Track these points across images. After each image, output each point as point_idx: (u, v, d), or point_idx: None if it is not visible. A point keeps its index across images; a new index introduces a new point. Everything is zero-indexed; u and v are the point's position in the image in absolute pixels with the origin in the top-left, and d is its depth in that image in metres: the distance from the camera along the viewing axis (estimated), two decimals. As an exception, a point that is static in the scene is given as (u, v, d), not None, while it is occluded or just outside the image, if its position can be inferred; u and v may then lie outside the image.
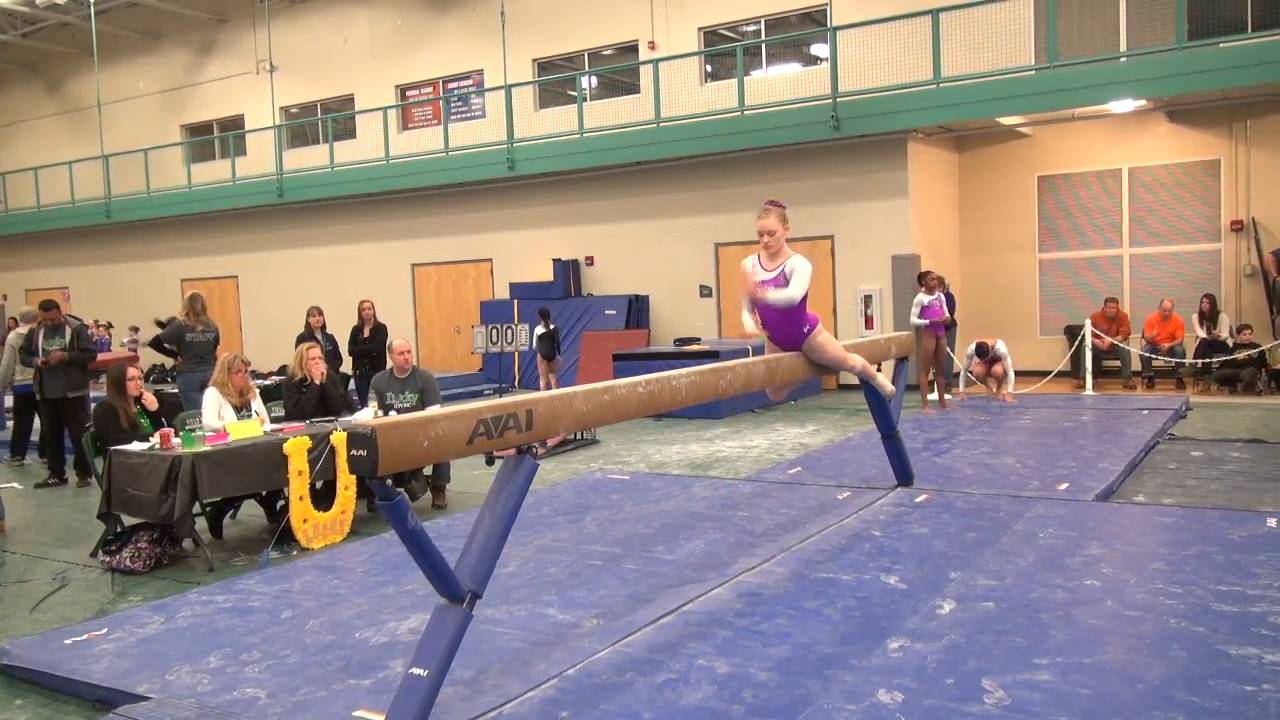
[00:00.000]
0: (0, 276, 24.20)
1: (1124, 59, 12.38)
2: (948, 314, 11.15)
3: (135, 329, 19.56)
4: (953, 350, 12.30)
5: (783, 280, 5.22)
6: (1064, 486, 6.66)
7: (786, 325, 5.38)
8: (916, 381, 11.34)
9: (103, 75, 21.24)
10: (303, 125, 20.30)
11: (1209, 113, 13.03)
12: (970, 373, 11.70)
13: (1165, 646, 3.74)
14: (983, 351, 11.41)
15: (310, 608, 4.72)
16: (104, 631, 4.45)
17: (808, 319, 5.39)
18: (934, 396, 11.05)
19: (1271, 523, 5.43)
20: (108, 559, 5.83)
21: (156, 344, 9.40)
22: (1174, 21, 11.55)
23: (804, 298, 5.30)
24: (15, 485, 8.90)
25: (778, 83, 14.88)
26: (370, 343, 11.36)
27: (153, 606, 4.87)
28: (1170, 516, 5.79)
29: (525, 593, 4.73)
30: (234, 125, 21.07)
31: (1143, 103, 12.60)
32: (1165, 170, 13.57)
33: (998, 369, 11.42)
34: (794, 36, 15.61)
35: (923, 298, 10.89)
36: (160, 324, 14.81)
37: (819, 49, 15.19)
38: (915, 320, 10.79)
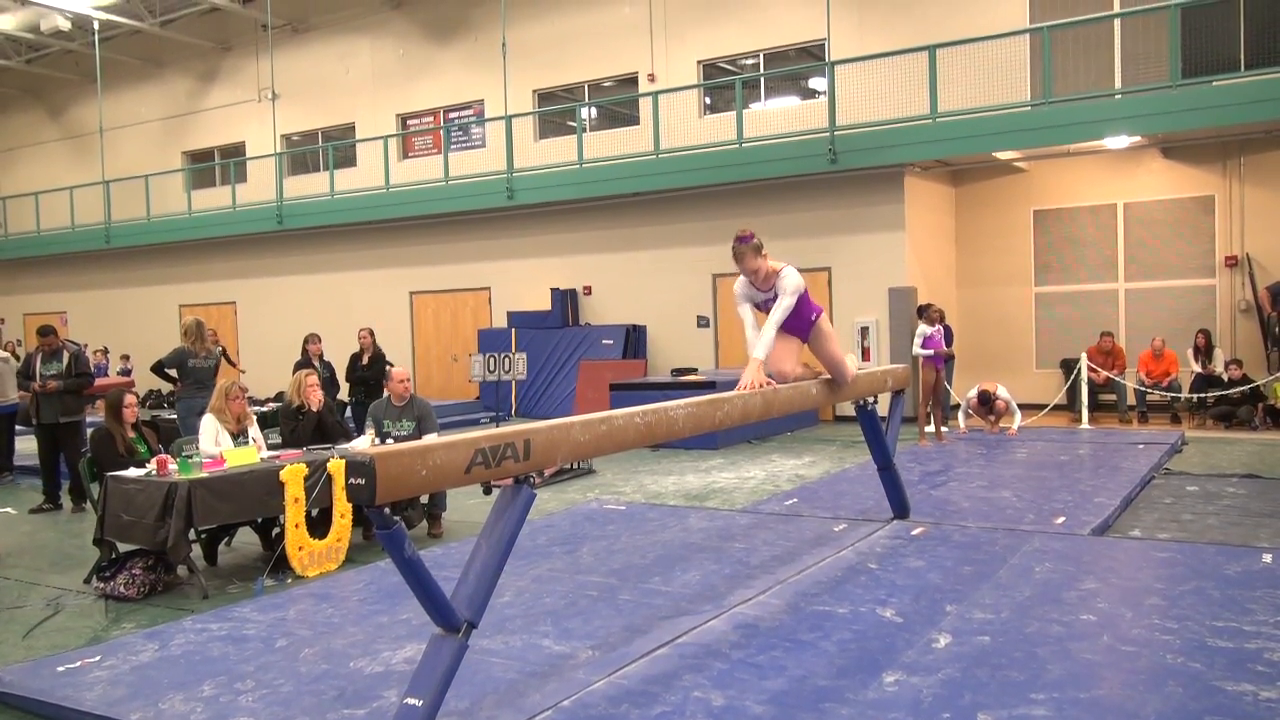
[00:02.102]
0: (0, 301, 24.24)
1: (1119, 96, 12.50)
2: (947, 347, 11.19)
3: (126, 357, 19.55)
4: (950, 384, 12.33)
5: (775, 294, 5.37)
6: (1060, 520, 6.67)
7: (794, 318, 5.45)
8: (914, 414, 11.38)
9: (105, 101, 21.38)
10: (303, 153, 20.41)
11: (1203, 149, 13.14)
12: (969, 410, 11.74)
13: (1161, 682, 3.73)
14: (985, 400, 11.45)
15: (305, 636, 4.70)
16: (97, 659, 4.43)
17: (813, 308, 5.54)
18: (931, 429, 11.07)
19: (1267, 558, 5.43)
20: (102, 585, 5.80)
21: (157, 369, 9.40)
22: (1168, 59, 11.68)
23: (804, 294, 5.43)
24: (9, 510, 8.87)
25: (776, 116, 15.00)
26: (368, 371, 11.37)
27: (146, 634, 4.85)
28: (1166, 551, 5.79)
29: (521, 623, 4.72)
30: (235, 152, 21.18)
31: (1137, 139, 12.71)
32: (1160, 206, 13.67)
33: (999, 405, 11.45)
34: (792, 71, 15.75)
35: (925, 329, 10.96)
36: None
37: (817, 83, 15.34)
38: (917, 351, 10.87)
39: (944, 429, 11.23)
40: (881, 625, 4.51)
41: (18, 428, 10.49)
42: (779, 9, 15.18)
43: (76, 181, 21.97)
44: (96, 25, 19.90)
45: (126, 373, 18.53)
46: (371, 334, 11.73)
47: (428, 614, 3.26)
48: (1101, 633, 4.32)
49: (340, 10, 19.44)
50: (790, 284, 5.29)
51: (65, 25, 19.99)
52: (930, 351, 10.83)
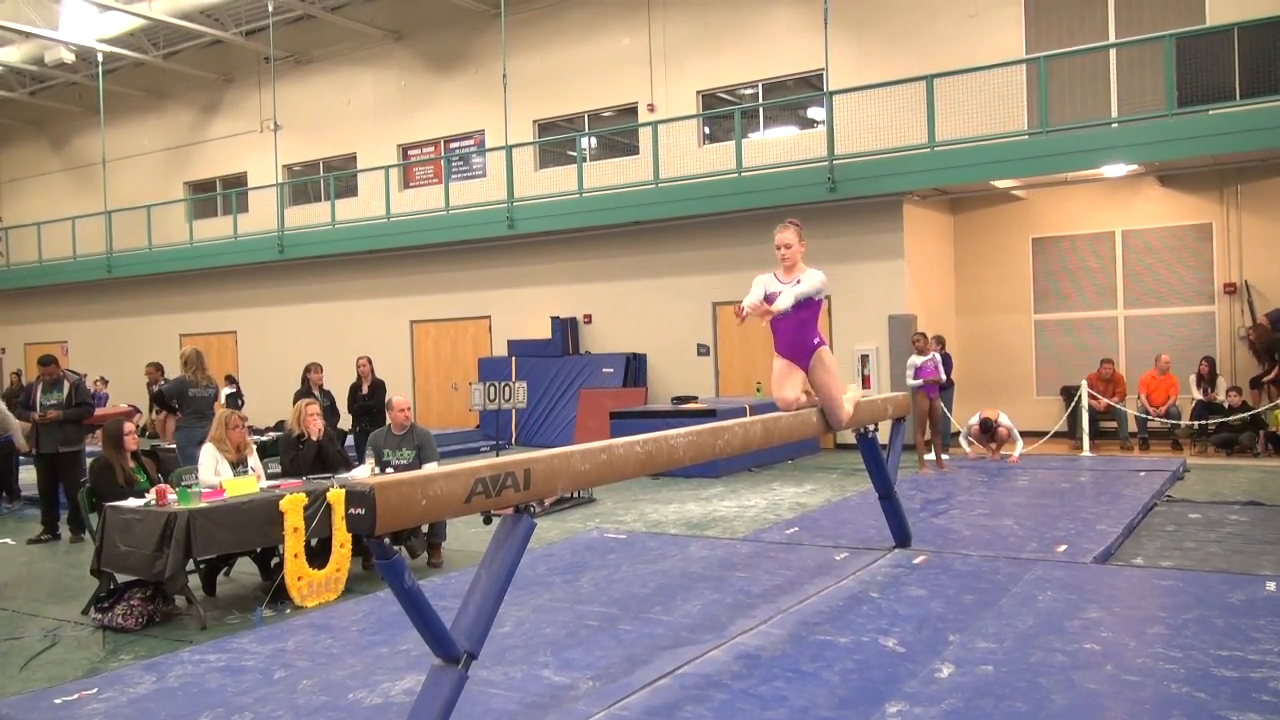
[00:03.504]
0: (0, 330, 24.26)
1: (1115, 125, 12.59)
2: (942, 375, 11.18)
3: (104, 380, 19.44)
4: (950, 411, 12.33)
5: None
6: (1062, 549, 6.64)
7: (797, 336, 5.52)
8: (914, 442, 11.36)
9: (108, 132, 21.52)
10: (305, 183, 20.51)
11: (1200, 177, 13.21)
12: (970, 438, 11.72)
13: (1166, 712, 3.70)
14: (987, 427, 11.45)
15: (303, 667, 4.67)
16: (95, 691, 4.40)
17: (818, 333, 5.58)
18: (931, 456, 11.05)
19: (1271, 586, 5.40)
20: (100, 616, 5.77)
21: (158, 399, 9.40)
22: (1164, 88, 11.77)
23: (817, 310, 5.53)
24: (8, 541, 8.84)
25: (775, 145, 15.10)
26: (369, 399, 11.37)
27: (144, 665, 4.82)
28: (1169, 580, 5.77)
29: (521, 653, 4.69)
30: (237, 182, 21.30)
31: (1134, 167, 12.78)
32: (1158, 233, 13.72)
33: (1001, 432, 11.44)
34: (791, 100, 15.87)
35: (915, 359, 10.98)
36: (233, 381, 14.87)
37: (816, 112, 15.45)
38: (910, 381, 10.87)
39: (944, 456, 11.21)
40: (884, 655, 4.48)
41: (20, 457, 10.48)
42: (777, 39, 15.31)
43: (79, 212, 22.08)
44: (100, 57, 20.07)
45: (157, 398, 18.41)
46: (370, 362, 11.74)
47: (427, 645, 3.24)
48: (1105, 662, 4.29)
49: (342, 42, 19.61)
50: (816, 277, 5.41)
51: (69, 57, 20.16)
52: (921, 381, 10.81)
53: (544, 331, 16.14)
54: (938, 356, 11.15)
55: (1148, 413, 12.54)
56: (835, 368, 5.70)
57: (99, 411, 12.02)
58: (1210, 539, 7.16)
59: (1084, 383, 12.31)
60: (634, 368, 15.32)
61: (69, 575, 7.32)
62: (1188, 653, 4.35)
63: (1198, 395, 12.46)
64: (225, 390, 17.77)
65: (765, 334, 15.91)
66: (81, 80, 21.92)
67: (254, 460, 7.10)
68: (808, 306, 5.46)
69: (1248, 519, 7.83)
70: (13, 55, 21.11)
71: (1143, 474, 9.92)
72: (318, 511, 6.22)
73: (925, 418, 10.91)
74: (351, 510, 2.94)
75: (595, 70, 16.93)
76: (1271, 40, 11.50)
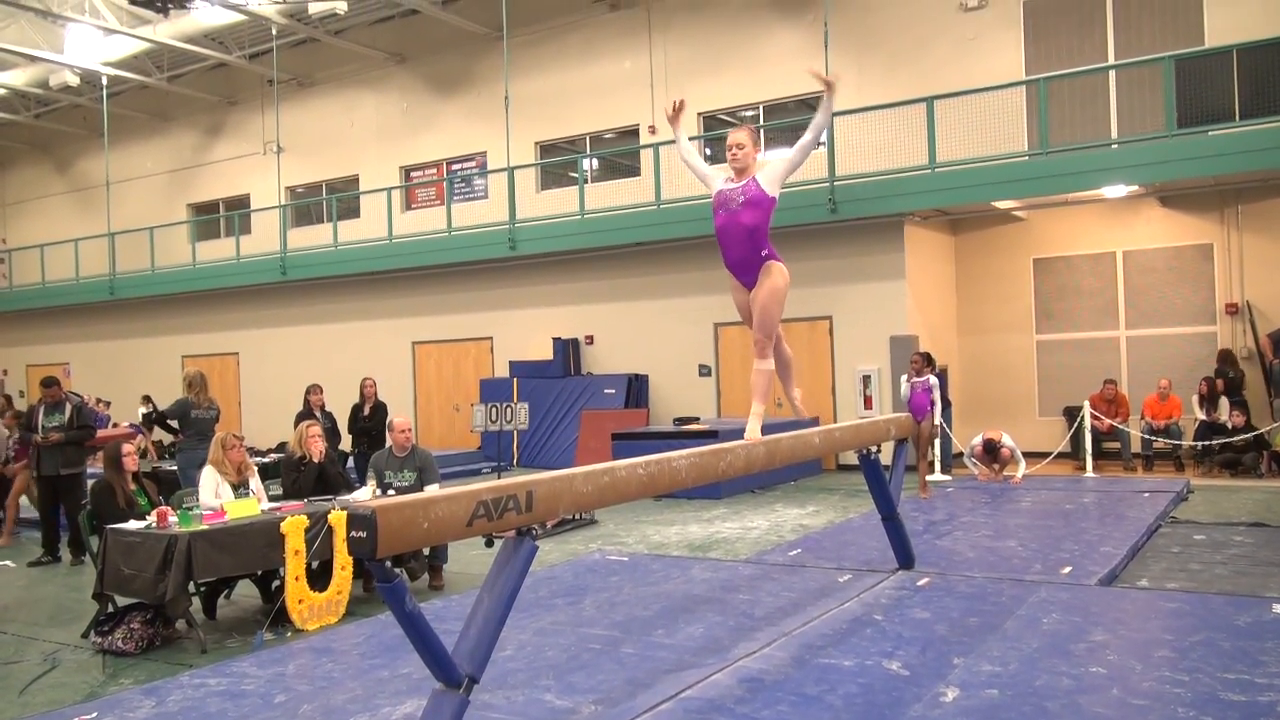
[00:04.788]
0: (2, 352, 24.29)
1: (1115, 146, 12.62)
2: (938, 395, 11.01)
3: (106, 402, 19.41)
4: (951, 430, 12.29)
5: (753, 186, 4.84)
6: (1067, 570, 6.61)
7: (744, 243, 4.90)
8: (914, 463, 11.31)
9: (112, 155, 21.62)
10: (307, 204, 20.58)
11: (1201, 198, 13.23)
12: (974, 459, 11.68)
13: (1173, 737, 3.67)
14: (990, 448, 11.41)
15: (304, 692, 4.64)
16: (94, 715, 4.37)
17: (768, 245, 4.95)
18: (932, 478, 10.99)
19: (1277, 609, 5.37)
20: (99, 640, 5.74)
21: (160, 420, 9.40)
22: (1164, 109, 11.81)
23: (768, 211, 4.88)
24: (8, 564, 8.82)
25: (776, 166, 15.11)
26: (370, 421, 11.34)
27: (144, 689, 4.79)
28: (1175, 602, 5.73)
29: (523, 677, 4.66)
30: (240, 204, 21.38)
31: (1135, 188, 12.80)
32: (1159, 254, 13.73)
33: (1004, 453, 11.41)
34: (792, 122, 15.92)
35: (904, 389, 10.90)
36: (149, 400, 14.86)
37: (816, 134, 15.46)
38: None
39: (929, 478, 10.95)
40: (888, 678, 4.45)
41: None
42: (778, 62, 15.39)
43: (82, 234, 22.16)
44: (105, 80, 20.18)
45: (146, 418, 18.39)
46: (375, 384, 11.72)
47: (429, 669, 3.22)
48: (1111, 686, 4.26)
49: (345, 65, 19.73)
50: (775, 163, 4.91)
51: (74, 81, 20.29)
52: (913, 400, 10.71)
53: (546, 352, 16.15)
54: (932, 379, 10.96)
55: (1153, 432, 12.50)
56: (782, 292, 4.98)
57: (100, 433, 12.02)
58: (1216, 560, 7.12)
59: (1086, 403, 12.29)
60: (636, 389, 15.31)
61: (69, 598, 7.30)
62: (1194, 676, 4.32)
63: (1201, 416, 12.44)
64: (141, 409, 17.80)
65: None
66: (86, 103, 22.05)
67: (255, 482, 7.08)
68: (759, 206, 4.83)
69: (1253, 540, 7.79)
70: (18, 78, 21.24)
71: (1146, 495, 9.89)
72: (319, 534, 6.20)
73: (919, 440, 10.76)
74: (353, 533, 2.93)
75: (597, 92, 17.02)
76: (1271, 61, 11.54)
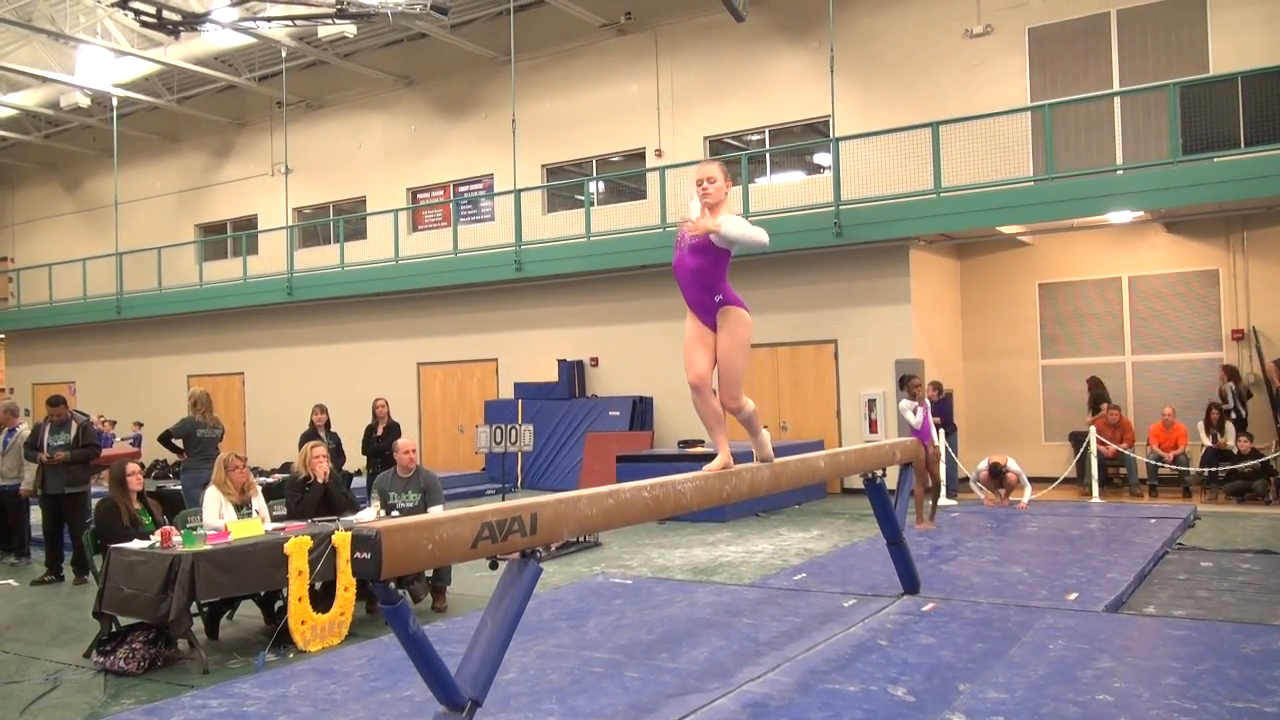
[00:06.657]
0: (9, 370, 24.35)
1: (1120, 172, 12.65)
2: (932, 423, 10.79)
3: (139, 425, 19.53)
4: (957, 454, 12.25)
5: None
6: (1073, 596, 6.57)
7: (699, 284, 4.85)
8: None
9: (121, 175, 21.75)
10: (314, 225, 20.68)
11: (1206, 224, 13.24)
12: (979, 483, 11.64)
13: (1181, 766, 3.64)
14: (996, 473, 11.36)
15: (306, 714, 4.62)
16: (94, 736, 4.35)
17: (724, 289, 4.87)
18: (939, 503, 10.93)
19: (1285, 637, 5.33)
20: (101, 660, 5.73)
21: (164, 439, 9.42)
22: (1168, 136, 11.84)
23: (724, 260, 4.77)
24: (11, 582, 8.81)
25: (782, 190, 15.19)
26: (383, 441, 11.31)
27: (145, 710, 4.77)
28: (1182, 629, 5.70)
29: (526, 700, 4.64)
30: (248, 225, 21.48)
31: (1140, 214, 12.82)
32: (1164, 280, 13.73)
33: (1010, 477, 11.36)
34: (798, 146, 15.99)
35: (914, 414, 10.31)
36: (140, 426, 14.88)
37: (822, 158, 15.55)
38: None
39: (926, 508, 10.28)
40: (893, 704, 4.42)
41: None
42: (784, 86, 15.48)
43: (90, 253, 22.26)
44: (115, 102, 20.34)
45: (136, 440, 18.49)
46: (387, 404, 11.71)
47: (431, 691, 3.21)
48: (1118, 714, 4.23)
49: (353, 88, 19.87)
50: (737, 224, 4.67)
51: (85, 102, 20.44)
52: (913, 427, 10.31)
53: (551, 374, 16.15)
54: (929, 404, 10.62)
55: (1159, 459, 12.45)
56: (744, 341, 4.85)
57: (105, 452, 12.04)
58: (1223, 587, 7.07)
59: (1092, 428, 12.26)
60: (640, 411, 15.30)
61: (71, 617, 7.28)
62: (1202, 704, 4.28)
63: (1206, 442, 12.39)
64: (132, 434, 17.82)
65: (771, 377, 15.76)
66: (96, 124, 22.22)
67: (259, 502, 7.08)
68: (704, 252, 4.70)
69: (1260, 568, 7.74)
70: (29, 99, 21.42)
71: (1153, 521, 9.84)
72: (322, 555, 6.19)
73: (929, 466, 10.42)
74: (358, 554, 2.93)
75: (603, 116, 17.11)
76: (1276, 89, 11.58)
